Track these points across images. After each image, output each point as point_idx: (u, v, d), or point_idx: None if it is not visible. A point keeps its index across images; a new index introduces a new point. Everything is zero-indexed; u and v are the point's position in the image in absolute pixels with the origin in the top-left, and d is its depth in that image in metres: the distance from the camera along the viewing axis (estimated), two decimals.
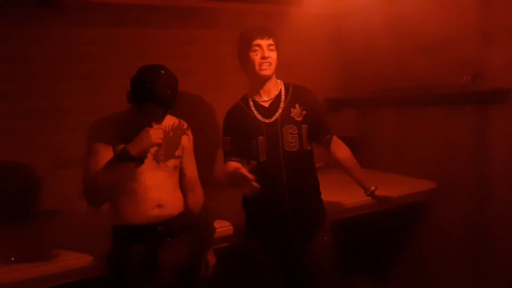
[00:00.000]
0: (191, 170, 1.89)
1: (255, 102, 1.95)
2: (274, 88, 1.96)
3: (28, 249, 1.79)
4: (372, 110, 3.22)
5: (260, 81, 1.92)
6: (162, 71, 1.60)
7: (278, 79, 1.99)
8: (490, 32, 2.30)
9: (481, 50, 2.34)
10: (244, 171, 1.59)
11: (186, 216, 1.84)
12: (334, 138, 2.05)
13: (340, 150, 2.06)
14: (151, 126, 1.58)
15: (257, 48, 1.86)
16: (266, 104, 1.94)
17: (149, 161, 1.69)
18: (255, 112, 1.93)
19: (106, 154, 1.61)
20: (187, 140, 1.85)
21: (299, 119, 1.92)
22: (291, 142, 1.89)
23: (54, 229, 2.22)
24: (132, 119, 1.65)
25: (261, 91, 1.95)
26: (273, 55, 1.88)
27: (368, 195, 2.06)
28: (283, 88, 1.97)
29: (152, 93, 1.54)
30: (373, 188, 2.04)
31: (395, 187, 2.57)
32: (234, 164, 1.86)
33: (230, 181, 1.79)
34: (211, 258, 1.93)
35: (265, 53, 1.85)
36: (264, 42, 1.86)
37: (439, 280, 2.67)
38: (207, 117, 2.93)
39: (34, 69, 2.44)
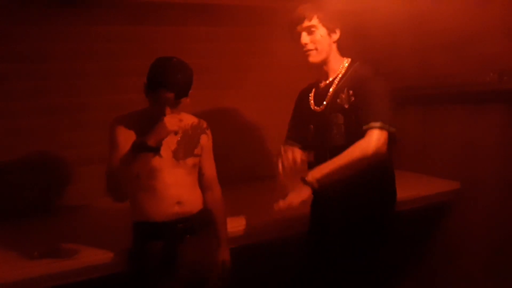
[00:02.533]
0: (210, 169, 1.89)
1: (316, 87, 1.82)
2: (332, 71, 1.76)
3: (50, 245, 1.81)
4: (395, 108, 3.16)
5: (315, 68, 1.77)
6: (174, 59, 1.62)
7: (345, 57, 1.79)
8: None
9: (508, 46, 2.28)
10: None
11: (205, 213, 1.85)
12: (374, 132, 1.56)
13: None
14: (164, 114, 1.58)
15: (298, 36, 1.70)
16: (320, 89, 1.79)
17: (168, 159, 1.70)
18: (311, 98, 1.81)
19: (127, 148, 1.61)
20: (206, 139, 1.85)
21: (346, 106, 1.66)
22: (336, 135, 1.67)
23: (75, 225, 2.25)
24: (151, 114, 1.65)
25: (321, 75, 1.80)
26: (315, 38, 1.69)
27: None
28: (344, 69, 1.75)
29: (163, 78, 1.57)
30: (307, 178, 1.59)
31: (418, 187, 2.56)
32: (289, 154, 1.72)
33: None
34: (227, 259, 1.92)
35: (303, 39, 1.69)
36: (301, 28, 1.69)
37: (463, 283, 2.62)
38: (225, 115, 2.93)
39: (55, 67, 2.48)
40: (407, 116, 3.03)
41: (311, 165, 1.66)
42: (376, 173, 1.68)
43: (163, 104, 1.59)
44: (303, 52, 1.71)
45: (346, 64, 1.77)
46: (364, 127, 1.57)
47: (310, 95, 1.84)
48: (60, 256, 1.74)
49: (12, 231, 2.14)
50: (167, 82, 1.56)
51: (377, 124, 1.57)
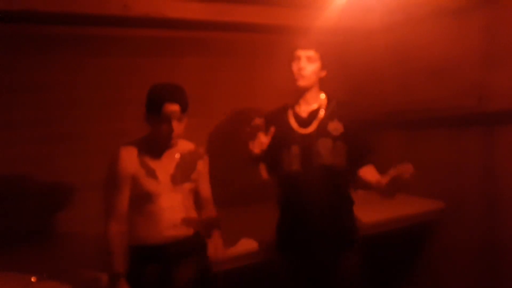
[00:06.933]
0: (206, 193, 1.95)
1: (294, 112, 1.97)
2: (314, 100, 1.95)
3: (46, 270, 1.85)
4: (379, 132, 3.24)
5: (298, 91, 1.94)
6: (167, 82, 1.74)
7: (322, 91, 1.99)
8: (494, 54, 2.35)
9: (486, 72, 2.39)
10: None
11: (200, 236, 1.89)
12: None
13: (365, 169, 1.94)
14: (172, 129, 1.67)
15: (296, 59, 1.88)
16: (305, 115, 1.95)
17: (166, 183, 1.76)
18: (292, 121, 1.95)
19: (126, 190, 1.72)
20: (202, 164, 1.91)
21: (335, 133, 1.89)
22: (325, 156, 1.87)
23: (71, 250, 2.28)
24: (155, 138, 1.73)
25: (300, 101, 1.95)
26: (310, 67, 1.87)
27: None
28: (325, 102, 1.96)
29: (166, 93, 1.67)
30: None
31: (403, 207, 2.59)
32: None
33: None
34: (219, 241, 1.89)
35: (301, 64, 1.86)
36: (304, 53, 1.87)
37: None
38: (222, 141, 2.99)
39: (55, 97, 2.55)
40: (390, 139, 3.11)
41: (299, 176, 1.86)
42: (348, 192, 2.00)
43: (170, 118, 1.66)
44: (295, 73, 1.88)
45: (324, 97, 1.98)
46: (365, 159, 1.94)
47: (287, 118, 1.98)
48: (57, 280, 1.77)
49: (10, 257, 2.15)
50: (171, 95, 1.67)
51: (371, 155, 1.96)
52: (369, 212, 2.14)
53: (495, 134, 2.40)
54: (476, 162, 2.48)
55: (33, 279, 1.79)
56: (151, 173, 1.75)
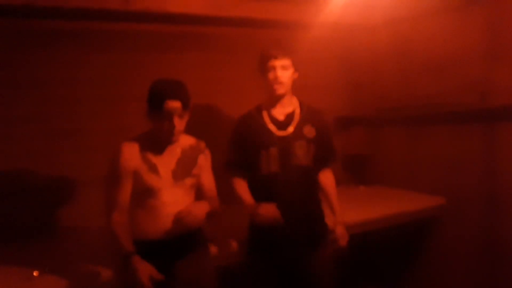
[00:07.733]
0: (209, 186, 1.95)
1: (270, 114, 2.01)
2: (289, 104, 2.02)
3: (48, 265, 1.86)
4: (380, 128, 3.28)
5: (275, 98, 1.99)
6: (170, 78, 1.74)
7: (294, 95, 2.05)
8: (496, 50, 2.37)
9: (488, 68, 2.40)
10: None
11: (202, 231, 1.90)
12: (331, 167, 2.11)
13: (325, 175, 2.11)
14: (173, 126, 1.68)
15: (271, 69, 1.93)
16: (281, 118, 2.00)
17: (167, 179, 1.77)
18: (269, 123, 1.99)
19: (127, 184, 1.74)
20: (204, 159, 1.92)
21: (310, 136, 1.98)
22: (302, 157, 1.95)
23: (73, 245, 2.29)
24: (156, 134, 1.74)
25: (277, 104, 2.00)
26: (286, 74, 1.93)
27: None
28: (298, 106, 2.03)
29: (167, 89, 1.68)
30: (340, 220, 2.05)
31: (405, 203, 2.62)
32: (243, 186, 1.99)
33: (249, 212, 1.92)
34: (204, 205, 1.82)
35: (277, 73, 1.91)
36: (278, 63, 1.91)
37: None
38: (224, 138, 3.00)
39: (56, 93, 2.56)
40: (392, 135, 3.14)
41: (277, 177, 1.92)
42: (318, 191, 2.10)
43: (172, 114, 1.67)
44: (272, 82, 1.93)
45: (297, 102, 2.05)
46: (330, 161, 2.09)
47: (264, 121, 2.01)
48: (59, 275, 1.78)
49: (12, 251, 2.16)
50: (173, 92, 1.67)
51: (335, 159, 2.11)
52: (370, 208, 2.16)
53: (496, 130, 2.41)
54: (477, 158, 2.50)
55: (35, 273, 1.80)
56: (153, 168, 1.76)
